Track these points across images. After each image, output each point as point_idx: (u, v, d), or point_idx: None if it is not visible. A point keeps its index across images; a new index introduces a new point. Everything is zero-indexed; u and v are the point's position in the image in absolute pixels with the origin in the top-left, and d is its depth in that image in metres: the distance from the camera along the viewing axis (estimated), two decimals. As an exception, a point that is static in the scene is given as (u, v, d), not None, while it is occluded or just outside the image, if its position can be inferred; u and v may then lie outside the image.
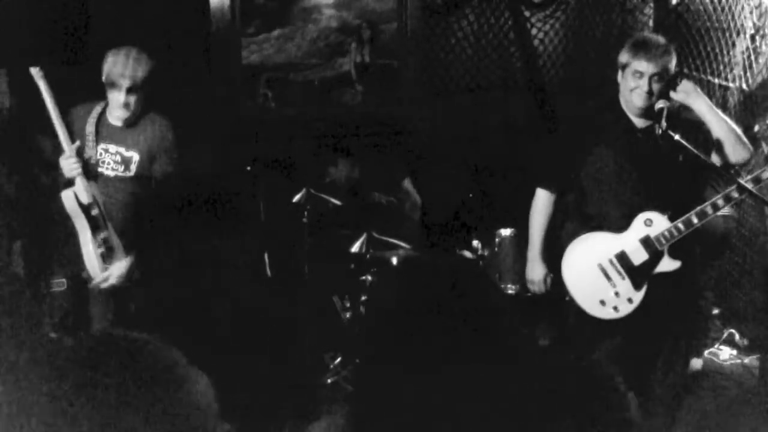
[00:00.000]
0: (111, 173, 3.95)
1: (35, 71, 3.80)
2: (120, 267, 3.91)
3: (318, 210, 4.95)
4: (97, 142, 3.94)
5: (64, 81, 4.26)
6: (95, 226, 3.88)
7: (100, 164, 3.94)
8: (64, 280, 4.48)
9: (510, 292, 4.62)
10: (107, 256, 3.91)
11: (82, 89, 4.15)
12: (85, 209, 3.86)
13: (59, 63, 4.74)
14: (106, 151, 3.94)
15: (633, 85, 3.52)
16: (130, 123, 3.95)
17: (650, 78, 3.48)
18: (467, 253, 4.74)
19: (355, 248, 4.74)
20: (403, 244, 4.78)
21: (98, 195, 3.87)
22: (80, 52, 4.91)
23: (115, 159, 3.94)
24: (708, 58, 5.55)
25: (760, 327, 4.85)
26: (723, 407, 4.35)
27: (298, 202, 4.90)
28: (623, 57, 3.57)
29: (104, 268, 3.91)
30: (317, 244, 5.06)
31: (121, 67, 3.79)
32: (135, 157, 3.93)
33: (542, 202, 3.79)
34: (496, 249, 4.69)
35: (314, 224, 4.98)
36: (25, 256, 4.52)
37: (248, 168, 4.95)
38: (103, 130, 3.95)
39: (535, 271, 3.86)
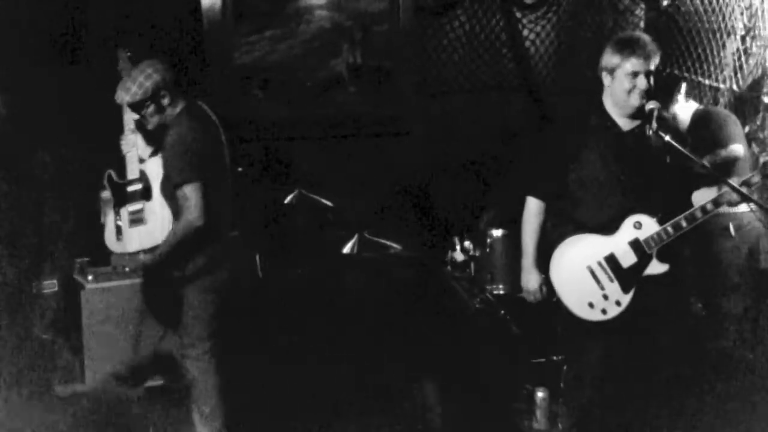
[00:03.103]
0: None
1: (122, 53, 4.15)
2: (135, 237, 4.01)
3: (310, 211, 4.96)
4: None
5: (61, 80, 4.28)
6: (123, 201, 4.13)
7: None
8: (54, 281, 4.50)
9: (501, 292, 4.63)
10: (131, 225, 4.10)
11: (79, 88, 4.18)
12: (119, 185, 4.15)
13: (53, 63, 4.76)
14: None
15: (629, 86, 3.51)
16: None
17: (646, 75, 3.49)
18: (459, 254, 4.75)
19: (346, 249, 4.75)
20: (394, 245, 4.79)
21: (155, 170, 4.05)
22: (74, 53, 4.92)
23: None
24: (699, 60, 5.57)
25: (749, 326, 4.85)
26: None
27: (290, 203, 4.90)
28: (612, 59, 3.54)
29: (119, 238, 4.14)
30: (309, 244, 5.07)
31: None
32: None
33: (533, 210, 3.77)
34: (487, 250, 4.70)
35: (306, 225, 4.99)
36: (16, 258, 4.52)
37: (240, 169, 4.95)
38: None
39: (530, 280, 3.82)
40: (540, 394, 4.27)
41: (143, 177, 4.13)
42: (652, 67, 3.50)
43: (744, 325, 4.73)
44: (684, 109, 4.78)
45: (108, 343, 4.50)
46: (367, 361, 4.60)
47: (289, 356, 4.72)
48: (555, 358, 4.60)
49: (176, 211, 3.88)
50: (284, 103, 5.85)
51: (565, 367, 4.51)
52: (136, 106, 3.81)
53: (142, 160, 4.15)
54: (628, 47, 3.52)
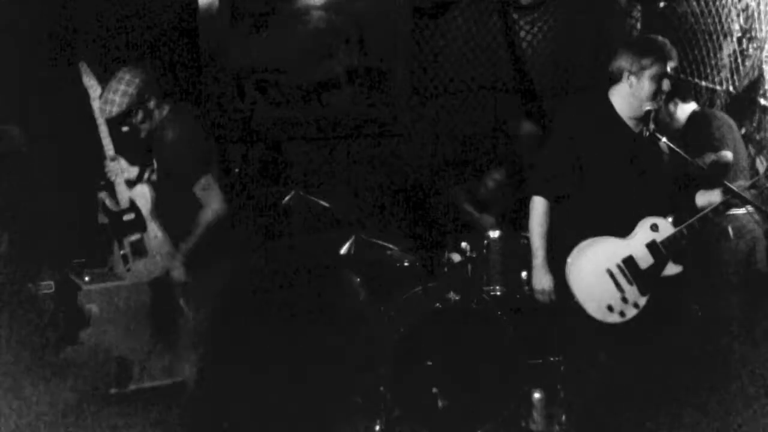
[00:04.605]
0: (154, 176, 4.00)
1: (83, 66, 3.92)
2: (142, 268, 3.96)
3: (307, 212, 4.96)
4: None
5: (56, 80, 4.25)
6: (122, 231, 3.97)
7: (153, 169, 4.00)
8: (51, 282, 4.49)
9: (497, 293, 4.63)
10: (135, 257, 3.96)
11: (74, 88, 4.13)
12: (115, 214, 3.98)
13: (50, 62, 4.75)
14: (151, 155, 4.00)
15: (653, 88, 3.52)
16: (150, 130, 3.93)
17: (668, 78, 3.51)
18: (455, 255, 4.74)
19: (343, 250, 4.75)
20: (390, 246, 4.78)
21: (142, 198, 3.94)
22: (69, 52, 4.91)
23: (153, 162, 4.00)
24: (695, 61, 5.58)
25: (747, 327, 4.86)
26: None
27: (287, 204, 4.89)
28: (640, 62, 3.53)
29: (127, 268, 3.99)
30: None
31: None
32: (154, 160, 3.95)
33: (540, 209, 3.73)
34: (484, 251, 4.69)
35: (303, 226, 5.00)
36: (13, 259, 4.51)
37: (236, 170, 4.95)
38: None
39: (543, 280, 3.76)
40: (536, 395, 4.27)
41: (134, 206, 3.97)
42: (673, 71, 3.53)
43: (742, 326, 4.74)
44: (682, 108, 4.81)
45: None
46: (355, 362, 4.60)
47: (285, 358, 4.71)
48: (552, 359, 4.60)
49: (174, 237, 3.88)
50: (280, 104, 5.85)
51: (562, 368, 4.52)
52: (124, 117, 3.72)
53: (131, 183, 4.00)
54: (655, 51, 3.53)
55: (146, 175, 4.01)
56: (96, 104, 3.92)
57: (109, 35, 5.06)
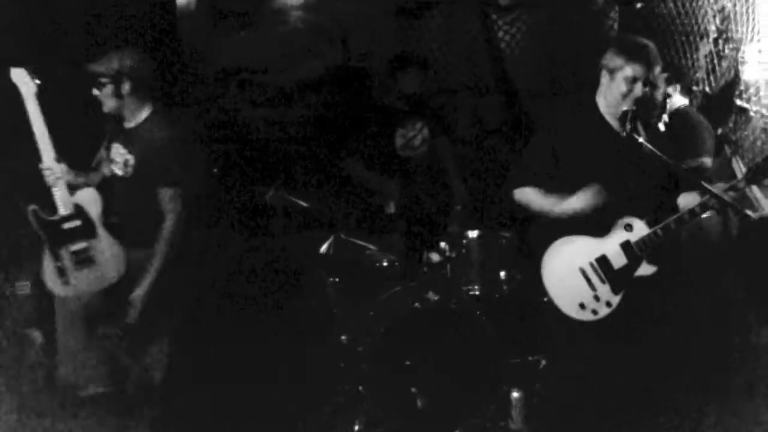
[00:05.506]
0: (119, 172, 3.96)
1: (19, 72, 3.82)
2: (87, 280, 3.86)
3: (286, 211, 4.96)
4: (111, 140, 3.98)
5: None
6: (61, 240, 3.80)
7: (114, 163, 3.96)
8: (27, 283, 4.45)
9: (477, 293, 4.64)
10: (76, 268, 3.82)
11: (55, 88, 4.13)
12: (51, 222, 3.80)
13: (27, 63, 4.71)
14: (117, 150, 3.96)
15: (625, 90, 3.53)
16: (130, 122, 3.94)
17: (644, 83, 3.52)
18: (435, 255, 4.75)
19: (322, 250, 4.75)
20: (369, 245, 4.79)
21: (92, 203, 3.86)
22: (48, 53, 4.88)
23: (120, 159, 3.95)
24: (672, 62, 5.61)
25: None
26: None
27: (267, 203, 4.89)
28: (615, 61, 3.56)
29: (64, 281, 3.82)
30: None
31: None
32: (131, 159, 3.91)
33: (529, 191, 3.75)
34: (463, 251, 4.70)
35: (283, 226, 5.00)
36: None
37: (214, 170, 4.94)
38: (118, 129, 3.97)
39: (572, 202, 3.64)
40: (515, 395, 4.29)
41: (80, 212, 3.79)
42: (651, 75, 3.53)
43: (714, 327, 4.77)
44: (678, 97, 4.82)
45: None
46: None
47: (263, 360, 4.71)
48: (531, 358, 4.62)
49: (130, 238, 3.86)
50: (262, 104, 5.84)
51: (541, 367, 4.54)
52: (96, 78, 3.79)
53: (73, 190, 3.84)
54: (633, 52, 3.54)
55: (91, 177, 3.98)
56: (31, 105, 3.77)
57: (109, 34, 5.04)
